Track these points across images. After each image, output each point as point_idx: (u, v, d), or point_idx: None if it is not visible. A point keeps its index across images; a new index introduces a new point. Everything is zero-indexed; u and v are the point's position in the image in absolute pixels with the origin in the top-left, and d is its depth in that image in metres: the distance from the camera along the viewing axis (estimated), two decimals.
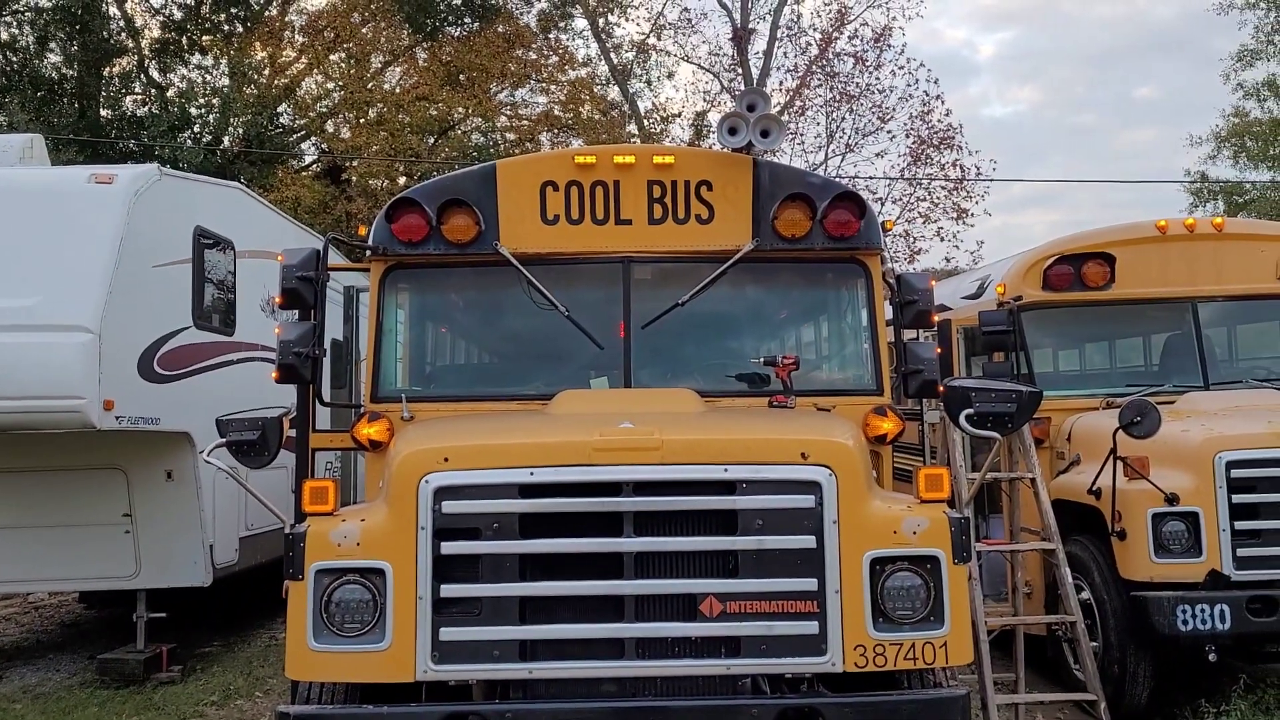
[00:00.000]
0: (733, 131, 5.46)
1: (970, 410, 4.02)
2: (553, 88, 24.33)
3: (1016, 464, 7.82)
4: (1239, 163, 29.14)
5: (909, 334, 5.68)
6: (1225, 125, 29.21)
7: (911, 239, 23.70)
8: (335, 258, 8.71)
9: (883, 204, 23.71)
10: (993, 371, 7.64)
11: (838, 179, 22.23)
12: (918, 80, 23.69)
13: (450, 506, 3.88)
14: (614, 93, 25.69)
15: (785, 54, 23.90)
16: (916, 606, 3.93)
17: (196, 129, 22.48)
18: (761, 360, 5.26)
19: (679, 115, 24.42)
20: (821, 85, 23.58)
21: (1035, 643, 7.43)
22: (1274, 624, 6.08)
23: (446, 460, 3.94)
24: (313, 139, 25.13)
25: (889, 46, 23.30)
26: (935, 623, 3.93)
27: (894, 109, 23.45)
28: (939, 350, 5.70)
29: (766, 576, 3.90)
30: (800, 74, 24.04)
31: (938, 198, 23.53)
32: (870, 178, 23.48)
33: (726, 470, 3.95)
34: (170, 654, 8.28)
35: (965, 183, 22.96)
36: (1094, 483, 6.59)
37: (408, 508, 3.89)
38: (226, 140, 23.15)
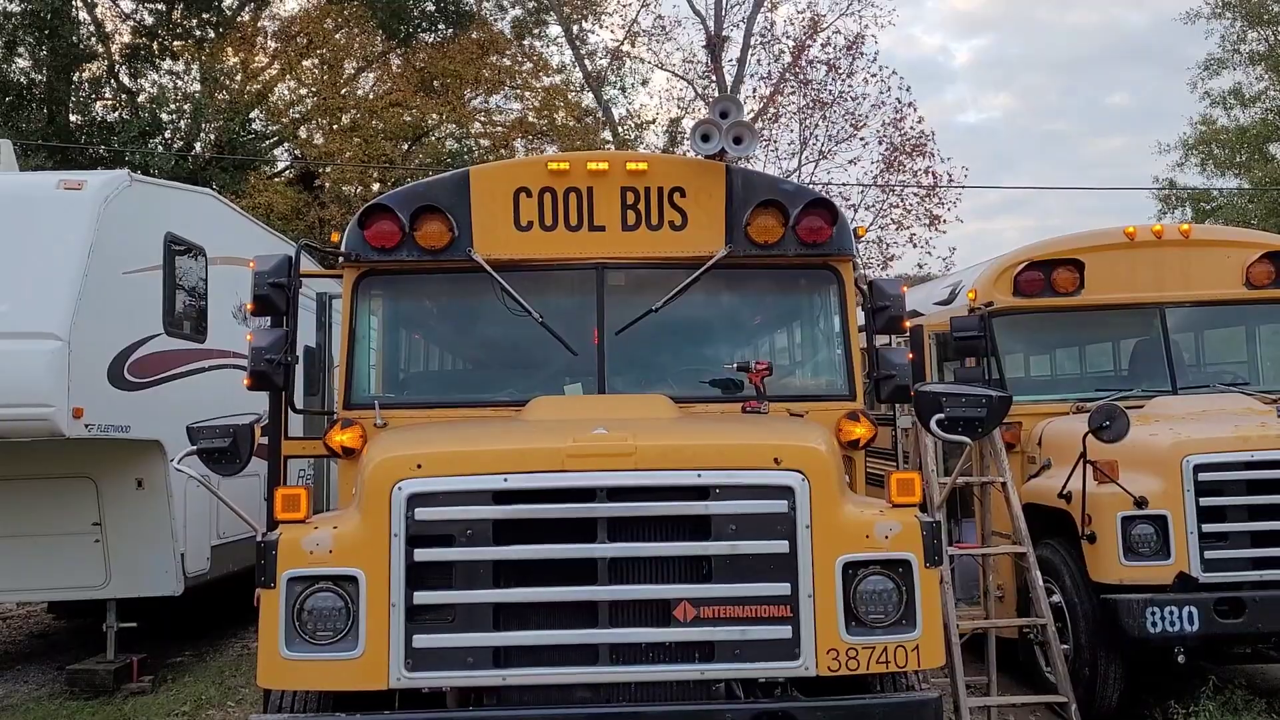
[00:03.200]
0: (705, 138, 5.50)
1: (941, 415, 4.06)
2: (527, 94, 24.34)
3: (988, 468, 7.90)
4: (1206, 170, 29.59)
5: (881, 340, 5.73)
6: (1193, 133, 29.68)
7: (885, 245, 23.88)
8: (309, 264, 8.69)
9: (856, 211, 23.88)
10: (964, 377, 7.70)
11: (811, 186, 22.38)
12: (890, 88, 23.90)
13: (423, 513, 3.87)
14: (588, 99, 25.72)
15: (759, 61, 24.07)
16: (889, 610, 3.96)
17: (168, 135, 22.32)
18: (734, 366, 5.28)
19: (653, 122, 24.53)
20: (795, 92, 23.74)
21: (1007, 646, 7.49)
22: (1241, 625, 6.16)
23: (419, 467, 3.93)
24: (285, 145, 24.98)
25: (861, 54, 23.49)
26: (907, 626, 3.95)
27: (867, 116, 23.65)
28: (911, 356, 5.75)
29: (740, 581, 3.91)
30: (774, 81, 24.19)
31: (910, 204, 23.74)
32: (844, 184, 23.66)
33: (700, 475, 3.96)
34: (141, 664, 8.19)
35: (938, 189, 23.16)
36: (1064, 486, 6.66)
37: (380, 514, 3.88)
38: (198, 146, 23.00)
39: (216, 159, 22.32)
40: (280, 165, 24.86)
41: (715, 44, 23.26)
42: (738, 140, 5.48)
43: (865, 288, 5.74)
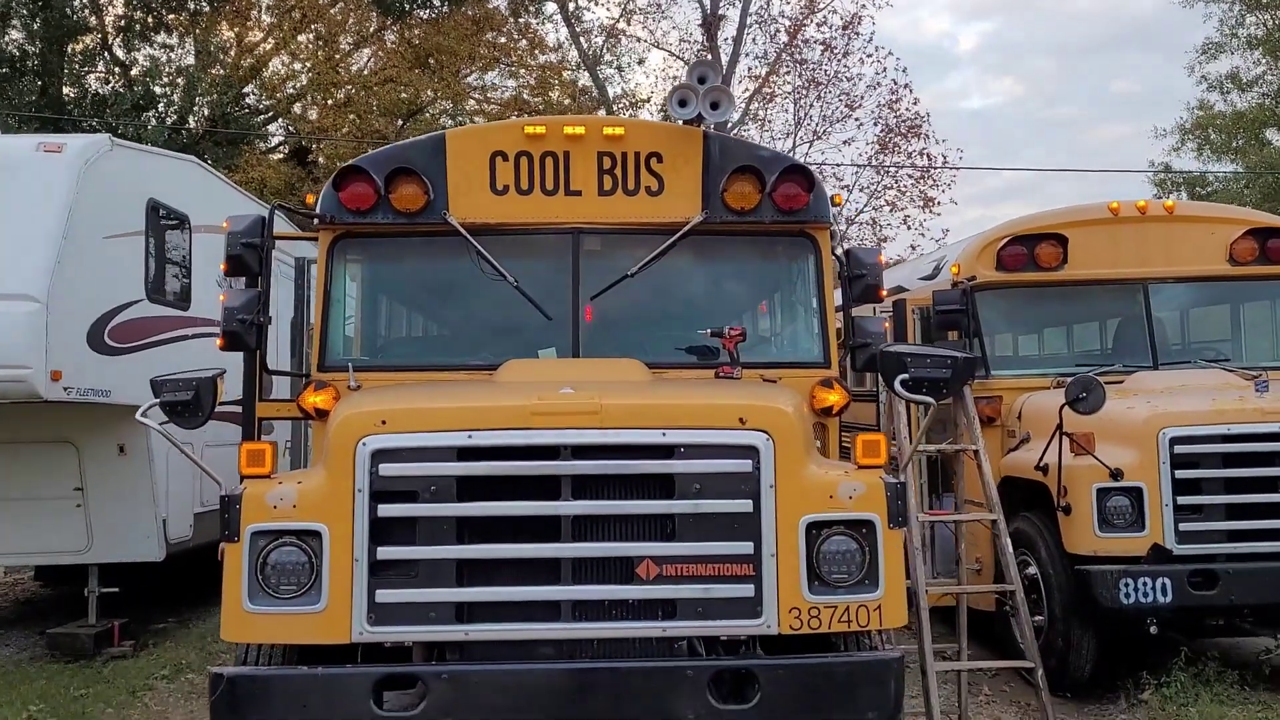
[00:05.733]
0: (683, 103, 5.47)
1: (905, 375, 4.06)
2: (522, 72, 24.21)
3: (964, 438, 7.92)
4: (1203, 155, 29.51)
5: (861, 310, 5.73)
6: (1190, 118, 29.59)
7: (878, 227, 23.84)
8: (289, 228, 8.67)
9: (850, 191, 23.84)
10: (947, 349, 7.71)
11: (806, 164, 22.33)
12: (885, 69, 23.80)
13: (388, 469, 3.87)
14: (585, 78, 25.59)
15: (754, 40, 23.95)
16: (851, 570, 3.97)
17: (161, 108, 22.19)
18: (708, 332, 5.28)
19: (648, 100, 24.42)
20: (790, 72, 23.64)
21: (983, 618, 7.54)
22: (1214, 597, 6.20)
23: (384, 423, 3.94)
24: (279, 121, 24.88)
25: (857, 35, 23.37)
26: (870, 586, 3.97)
27: (862, 97, 23.56)
28: (888, 325, 5.76)
29: (703, 540, 3.93)
30: (770, 61, 24.08)
31: (905, 186, 23.69)
32: (837, 165, 23.60)
33: (665, 434, 3.97)
34: (122, 629, 8.22)
35: (932, 171, 23.10)
36: (1041, 458, 6.68)
37: (345, 470, 3.88)
38: (191, 121, 22.87)
39: (209, 133, 22.22)
40: (274, 141, 24.77)
41: (711, 22, 23.14)
42: (715, 105, 5.46)
43: (842, 256, 5.75)
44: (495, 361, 5.13)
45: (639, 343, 5.44)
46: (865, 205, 23.83)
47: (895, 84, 23.83)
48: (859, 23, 23.82)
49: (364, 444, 3.89)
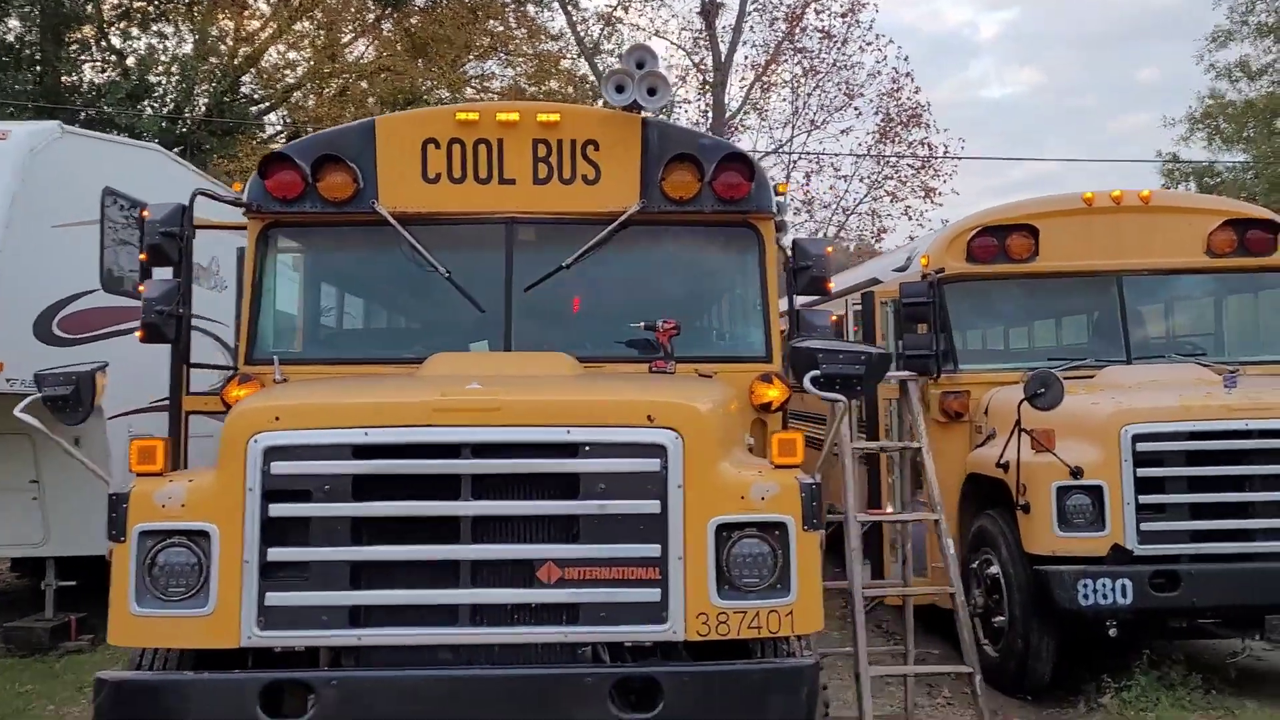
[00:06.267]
0: (619, 89, 5.31)
1: (816, 372, 3.89)
2: (520, 61, 24.01)
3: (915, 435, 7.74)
4: (1213, 144, 29.06)
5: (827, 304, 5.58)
6: (1199, 107, 29.12)
7: (878, 217, 23.59)
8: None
9: (849, 181, 23.59)
10: (912, 344, 7.55)
11: (804, 154, 22.10)
12: (885, 57, 23.49)
13: (280, 467, 3.74)
14: (585, 67, 25.37)
15: (752, 28, 23.68)
16: (763, 574, 3.82)
17: (157, 98, 22.13)
18: (641, 325, 5.13)
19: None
20: (788, 60, 23.39)
21: (947, 617, 7.37)
22: (1176, 599, 6.01)
23: (278, 419, 3.80)
24: (277, 111, 24.79)
25: (858, 23, 23.08)
26: (781, 591, 3.81)
27: (862, 86, 23.28)
28: (835, 319, 5.59)
29: (608, 542, 3.78)
30: (770, 49, 23.81)
31: (905, 176, 23.40)
32: (836, 155, 23.34)
33: (569, 432, 3.82)
34: (80, 623, 8.13)
35: (933, 161, 22.81)
36: (1001, 455, 6.50)
37: (236, 468, 3.75)
38: (188, 111, 22.81)
39: (206, 122, 22.16)
40: (271, 131, 24.68)
41: (710, 10, 22.88)
42: (652, 92, 5.29)
43: (788, 247, 5.58)
44: (426, 355, 5.00)
45: (574, 336, 5.31)
46: (865, 196, 23.60)
47: (896, 72, 23.56)
48: (860, 9, 23.54)
49: (256, 441, 3.75)
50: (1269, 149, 26.08)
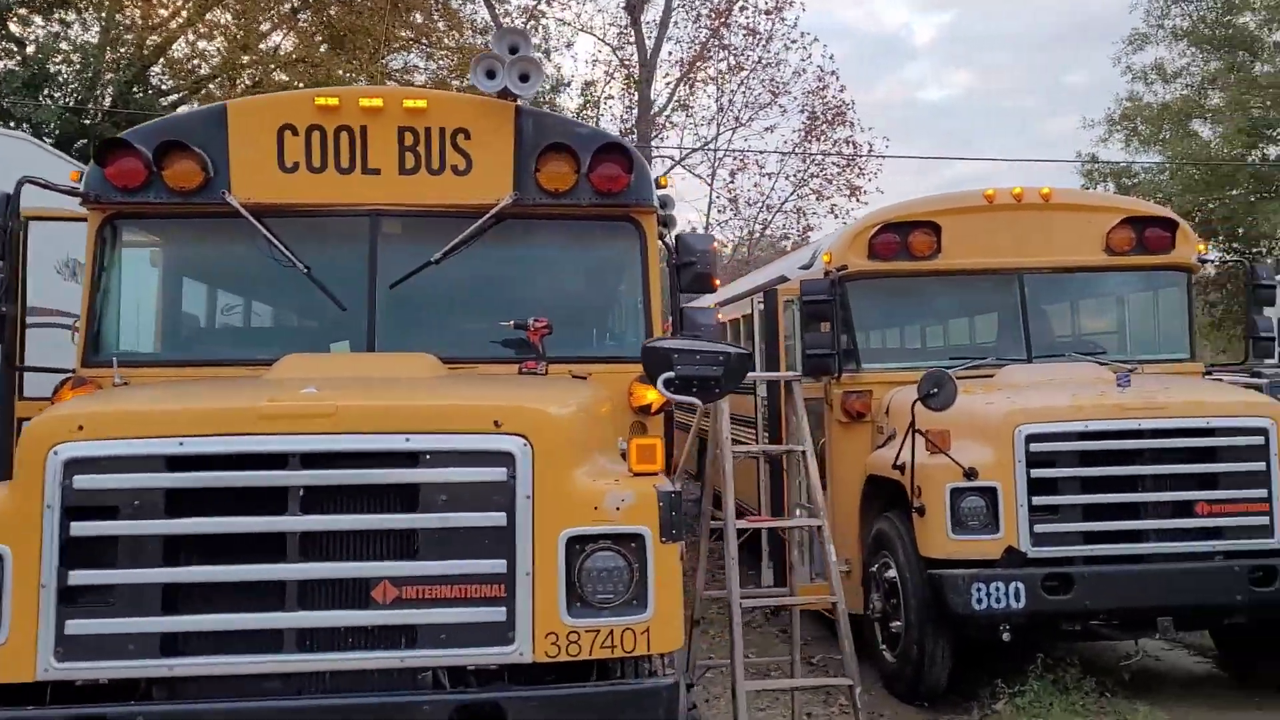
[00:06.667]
0: (490, 75, 5.03)
1: (670, 374, 3.66)
2: (443, 55, 23.50)
3: (824, 437, 7.61)
4: (1131, 146, 29.64)
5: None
6: (1118, 109, 29.69)
7: (804, 215, 23.58)
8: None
9: (774, 179, 23.56)
10: (813, 343, 7.39)
11: (730, 151, 21.97)
12: (810, 54, 23.49)
13: (83, 481, 3.39)
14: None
15: (677, 24, 23.51)
16: (618, 589, 3.57)
17: (60, 87, 21.21)
18: (511, 324, 4.86)
19: (568, 85, 23.86)
20: (713, 57, 23.27)
21: (855, 621, 7.22)
22: (1069, 602, 5.92)
23: (81, 429, 3.45)
24: (189, 104, 23.93)
25: (783, 20, 23.05)
26: (638, 607, 3.57)
27: (788, 84, 23.25)
28: (721, 317, 5.38)
29: (449, 558, 3.50)
30: (697, 45, 23.67)
31: (831, 174, 23.43)
32: (761, 152, 23.29)
33: (408, 440, 3.53)
34: None
35: (857, 159, 22.88)
36: (897, 457, 6.36)
37: (33, 483, 3.39)
38: (92, 102, 21.91)
39: (111, 114, 21.29)
40: None
41: (635, 5, 22.65)
42: (524, 78, 5.02)
43: (671, 243, 5.36)
44: (282, 356, 4.67)
45: (442, 336, 5.01)
46: (792, 194, 23.56)
47: (822, 70, 23.58)
48: (787, 6, 23.49)
49: (55, 453, 3.40)
50: (1183, 150, 26.64)
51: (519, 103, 5.10)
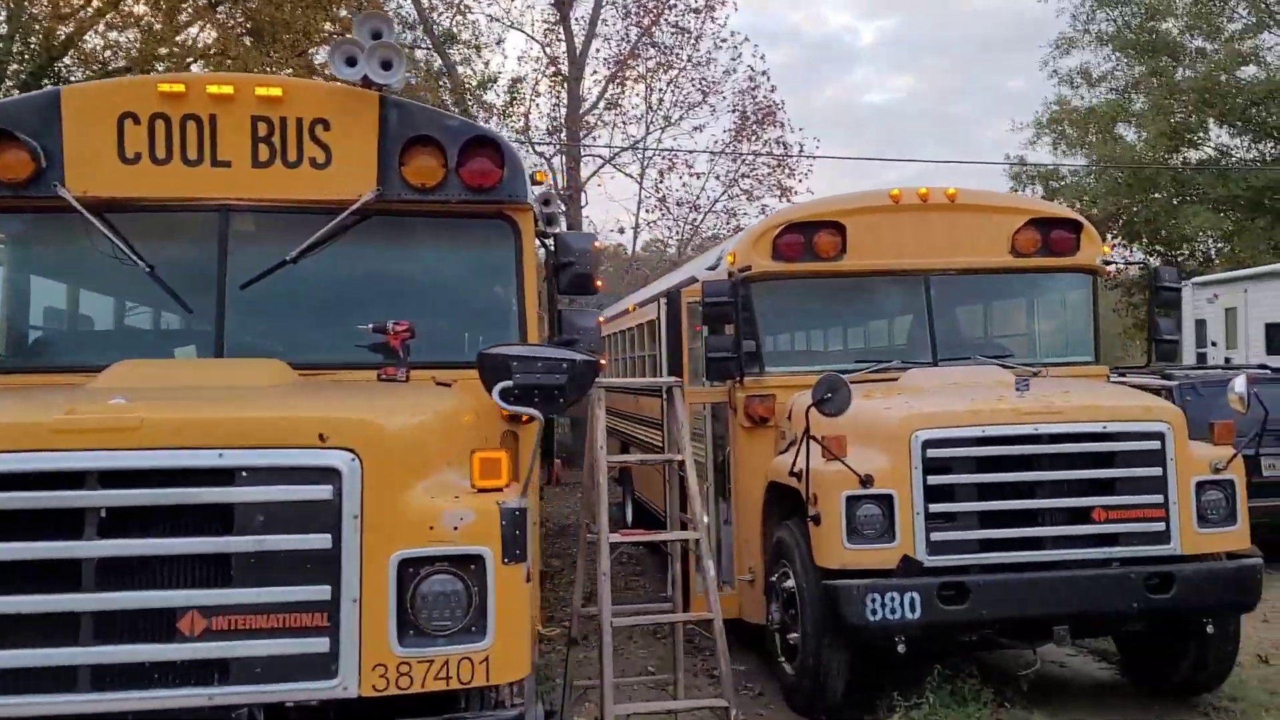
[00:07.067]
0: (349, 62, 4.72)
1: (508, 383, 3.40)
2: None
3: (729, 445, 7.42)
4: (1059, 149, 30.07)
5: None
6: (1046, 112, 30.09)
7: (734, 215, 23.47)
8: None
9: (704, 179, 23.43)
10: (714, 345, 7.20)
11: (661, 150, 21.75)
12: (740, 53, 23.39)
13: None
14: (439, 61, 24.46)
15: (605, 21, 23.25)
16: (455, 616, 3.32)
17: None
18: (370, 328, 4.57)
19: (494, 81, 23.46)
20: (640, 54, 23.05)
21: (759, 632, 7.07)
22: (964, 612, 5.76)
23: None
24: None
25: (713, 19, 22.92)
26: (476, 634, 3.32)
27: (719, 83, 23.13)
28: (602, 320, 5.13)
29: (267, 584, 3.22)
30: (630, 43, 23.45)
31: (761, 175, 23.36)
32: (691, 151, 23.16)
33: (222, 455, 3.24)
34: None
35: (787, 159, 22.83)
36: (793, 464, 6.17)
37: None
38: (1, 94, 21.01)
39: None
40: None
41: (563, 0, 22.34)
42: (386, 66, 4.72)
43: (550, 242, 5.11)
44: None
45: (297, 341, 4.70)
46: (722, 194, 23.46)
47: (753, 70, 23.50)
48: (720, 5, 23.34)
49: None
50: (1108, 154, 27.05)
51: (385, 92, 4.80)
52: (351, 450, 3.30)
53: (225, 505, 3.23)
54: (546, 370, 3.41)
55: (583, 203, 22.75)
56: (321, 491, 3.27)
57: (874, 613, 5.73)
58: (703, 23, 22.83)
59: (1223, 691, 6.49)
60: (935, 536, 5.86)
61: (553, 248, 5.13)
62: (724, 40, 23.16)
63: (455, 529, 3.34)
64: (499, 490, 3.46)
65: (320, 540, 3.25)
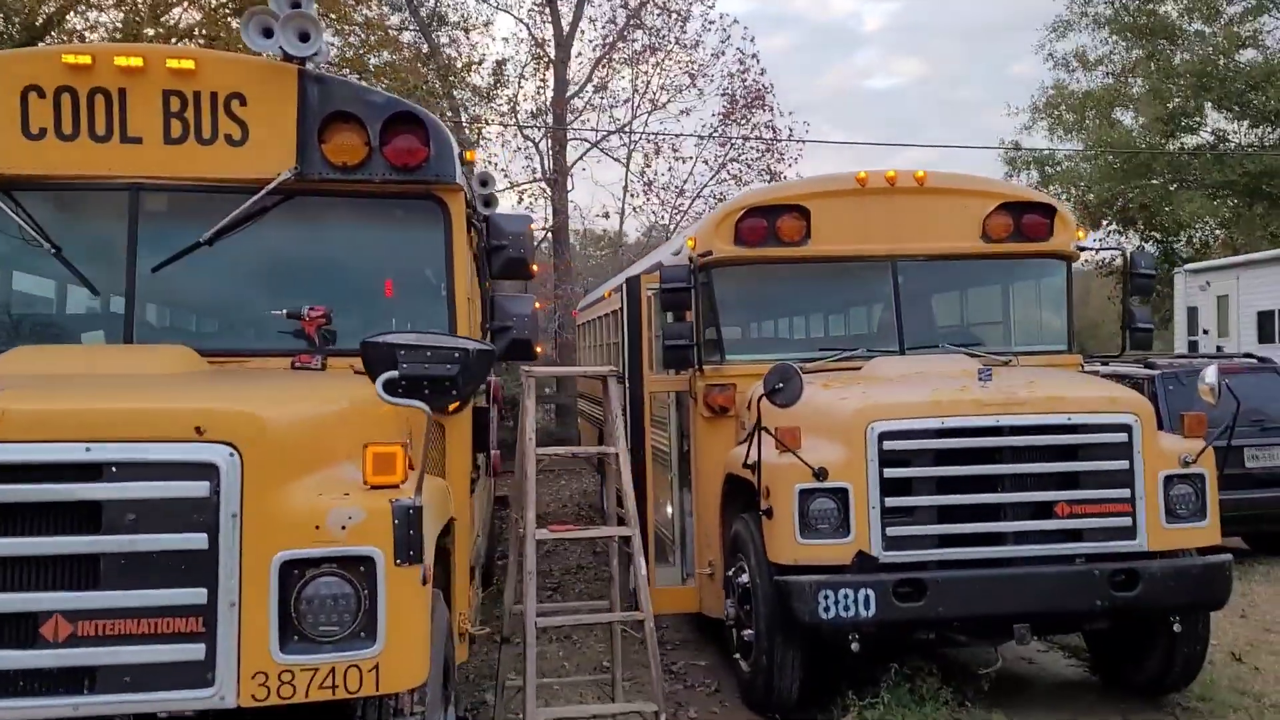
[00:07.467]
0: (265, 33, 4.49)
1: (394, 374, 3.18)
2: (358, 32, 22.63)
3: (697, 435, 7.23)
4: (1055, 134, 29.74)
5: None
6: (1042, 95, 29.76)
7: (722, 201, 23.17)
8: None
9: (692, 163, 23.16)
10: (672, 333, 6.98)
11: (648, 134, 21.46)
12: (729, 35, 23.06)
13: None
14: (426, 43, 24.16)
15: (591, 3, 22.91)
16: (343, 621, 3.12)
17: None
18: (283, 313, 4.35)
19: (480, 63, 23.14)
20: (628, 37, 22.74)
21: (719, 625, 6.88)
22: (921, 610, 5.55)
23: None
24: None
25: (701, 1, 22.59)
26: (365, 640, 3.12)
27: (707, 65, 22.82)
28: (540, 305, 4.92)
29: (138, 587, 3.02)
30: (618, 27, 23.13)
31: (750, 160, 23.07)
32: (679, 135, 22.88)
33: (89, 449, 3.03)
34: None
35: (777, 144, 22.54)
36: (747, 455, 5.96)
37: None
38: None
39: None
40: None
41: None
42: (304, 37, 4.48)
43: (480, 224, 4.89)
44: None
45: (210, 326, 4.50)
46: (710, 179, 23.18)
47: (742, 53, 23.19)
48: None
49: None
50: (1104, 138, 26.73)
51: (304, 65, 4.57)
52: (230, 444, 3.10)
53: (93, 503, 3.02)
54: (436, 360, 3.19)
55: (569, 187, 22.50)
56: (197, 488, 3.06)
57: (827, 610, 5.52)
58: (690, 4, 22.52)
59: (1192, 691, 6.30)
60: (892, 532, 5.66)
61: (483, 229, 4.90)
62: (712, 22, 22.80)
63: (343, 528, 3.13)
64: (394, 487, 3.25)
65: (196, 540, 3.05)
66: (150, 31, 22.25)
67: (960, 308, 8.06)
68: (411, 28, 24.29)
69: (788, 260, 7.16)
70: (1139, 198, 26.24)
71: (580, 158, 22.91)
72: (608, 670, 6.48)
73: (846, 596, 5.54)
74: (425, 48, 23.83)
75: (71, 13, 22.07)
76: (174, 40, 22.26)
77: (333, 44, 23.54)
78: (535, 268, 4.98)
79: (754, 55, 23.40)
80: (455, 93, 22.49)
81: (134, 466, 3.04)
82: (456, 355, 3.22)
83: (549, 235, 22.68)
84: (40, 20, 21.95)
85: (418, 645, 3.22)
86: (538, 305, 4.93)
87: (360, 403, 3.82)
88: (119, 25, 22.37)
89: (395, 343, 3.22)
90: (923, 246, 7.24)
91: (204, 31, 21.72)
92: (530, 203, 23.16)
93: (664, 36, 22.68)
